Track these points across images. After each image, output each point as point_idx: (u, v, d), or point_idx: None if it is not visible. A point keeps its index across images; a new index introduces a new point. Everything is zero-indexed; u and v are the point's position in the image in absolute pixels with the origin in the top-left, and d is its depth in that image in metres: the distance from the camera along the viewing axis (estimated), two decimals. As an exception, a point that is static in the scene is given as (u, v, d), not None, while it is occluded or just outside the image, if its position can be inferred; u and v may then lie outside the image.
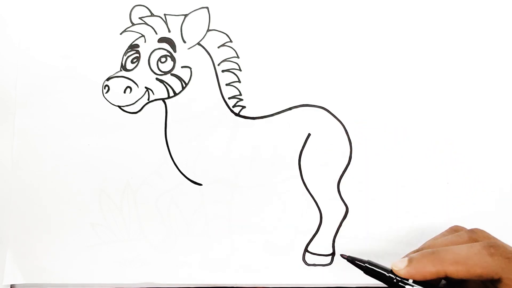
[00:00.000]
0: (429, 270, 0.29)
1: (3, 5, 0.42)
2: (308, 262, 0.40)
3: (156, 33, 0.41)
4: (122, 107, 0.41)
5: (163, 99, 0.41)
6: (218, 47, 0.41)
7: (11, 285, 0.41)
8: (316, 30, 0.41)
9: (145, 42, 0.41)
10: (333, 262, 0.40)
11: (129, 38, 0.41)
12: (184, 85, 0.41)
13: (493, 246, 0.28)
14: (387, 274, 0.30)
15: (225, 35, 0.41)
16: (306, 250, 0.40)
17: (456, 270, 0.28)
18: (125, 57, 0.41)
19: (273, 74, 0.41)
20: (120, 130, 0.41)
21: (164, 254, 0.40)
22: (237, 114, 0.41)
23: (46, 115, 0.41)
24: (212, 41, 0.41)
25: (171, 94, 0.41)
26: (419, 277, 0.29)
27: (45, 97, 0.41)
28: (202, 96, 0.41)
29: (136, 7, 0.41)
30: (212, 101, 0.41)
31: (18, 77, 0.41)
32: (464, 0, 0.41)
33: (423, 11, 0.41)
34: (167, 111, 0.41)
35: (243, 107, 0.41)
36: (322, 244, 0.40)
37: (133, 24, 0.41)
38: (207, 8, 0.41)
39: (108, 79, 0.41)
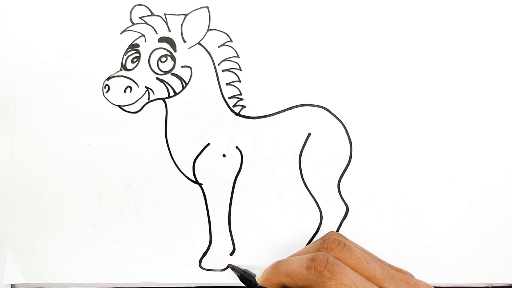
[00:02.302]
0: (272, 280, 0.32)
1: (3, 5, 0.42)
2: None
3: (156, 33, 0.41)
4: (122, 107, 0.41)
5: (163, 99, 0.41)
6: (218, 47, 0.41)
7: (11, 285, 0.41)
8: (316, 30, 0.41)
9: (145, 41, 0.41)
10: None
11: (129, 38, 0.41)
12: (184, 85, 0.41)
13: (312, 259, 0.29)
14: (254, 282, 0.35)
15: (225, 35, 0.41)
16: (306, 249, 0.40)
17: (287, 281, 0.31)
18: (125, 57, 0.41)
19: (273, 74, 0.41)
20: (120, 129, 0.41)
21: (164, 254, 0.40)
22: (237, 114, 0.41)
23: (46, 115, 0.41)
24: (212, 40, 0.41)
25: (171, 93, 0.41)
26: (269, 286, 0.33)
27: (46, 96, 0.41)
28: (202, 95, 0.41)
29: (136, 7, 0.41)
30: (212, 100, 0.41)
31: (18, 76, 0.41)
32: (464, 0, 0.41)
33: (423, 11, 0.41)
34: (167, 110, 0.41)
35: (243, 106, 0.41)
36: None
37: (133, 24, 0.41)
38: (207, 7, 0.41)
39: (108, 79, 0.41)
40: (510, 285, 0.41)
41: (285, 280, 0.31)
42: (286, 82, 0.41)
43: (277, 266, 0.32)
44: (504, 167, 0.40)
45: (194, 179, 0.41)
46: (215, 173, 0.40)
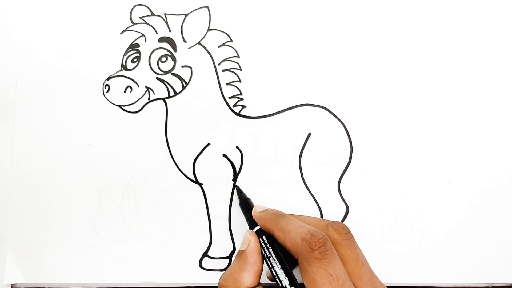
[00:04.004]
0: (266, 224, 0.33)
1: (3, 5, 0.42)
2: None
3: (157, 33, 0.41)
4: (122, 107, 0.41)
5: (163, 99, 0.41)
6: (219, 47, 0.41)
7: (11, 285, 0.41)
8: (316, 30, 0.41)
9: (145, 41, 0.41)
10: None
11: (129, 38, 0.41)
12: (184, 85, 0.41)
13: (312, 233, 0.29)
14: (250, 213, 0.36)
15: (226, 35, 0.41)
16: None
17: (278, 236, 0.32)
18: (125, 57, 0.41)
19: (274, 74, 0.41)
20: (120, 129, 0.41)
21: (164, 254, 0.40)
22: (238, 114, 0.41)
23: (46, 114, 0.41)
24: (213, 40, 0.41)
25: (172, 93, 0.41)
26: (260, 225, 0.34)
27: (46, 96, 0.41)
28: (202, 95, 0.41)
29: (136, 7, 0.41)
30: (213, 100, 0.41)
31: (19, 76, 0.41)
32: (464, 0, 0.41)
33: (423, 11, 0.41)
34: (168, 110, 0.41)
35: (244, 106, 0.41)
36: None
37: (133, 24, 0.41)
38: (207, 7, 0.41)
39: (108, 79, 0.41)
40: (510, 285, 0.41)
41: (277, 234, 0.32)
42: (286, 82, 0.41)
43: (278, 217, 0.33)
44: (504, 167, 0.40)
45: (194, 179, 0.41)
46: (215, 173, 0.40)
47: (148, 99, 0.41)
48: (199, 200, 0.41)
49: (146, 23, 0.41)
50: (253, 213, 0.35)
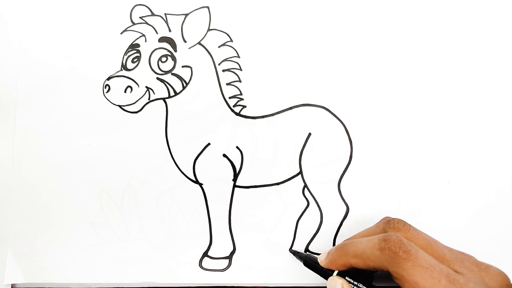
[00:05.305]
0: (339, 262, 0.32)
1: (3, 5, 0.42)
2: (308, 262, 0.40)
3: (157, 33, 0.41)
4: (122, 107, 0.41)
5: (163, 99, 0.41)
6: (219, 47, 0.41)
7: (11, 284, 0.41)
8: (316, 30, 0.41)
9: (145, 41, 0.41)
10: None
11: (129, 38, 0.41)
12: (184, 85, 0.41)
13: (385, 240, 0.29)
14: (320, 266, 0.35)
15: (226, 35, 0.41)
16: (307, 249, 0.40)
17: (356, 262, 0.30)
18: (125, 57, 0.41)
19: (274, 74, 0.41)
20: (120, 129, 0.41)
21: (164, 254, 0.40)
22: (238, 114, 0.41)
23: (46, 114, 0.41)
24: (213, 40, 0.41)
25: (172, 93, 0.41)
26: (334, 268, 0.33)
27: (46, 96, 0.41)
28: (202, 95, 0.41)
29: (136, 7, 0.41)
30: (213, 100, 0.41)
31: (19, 76, 0.41)
32: (464, 0, 0.41)
33: (423, 11, 0.41)
34: (168, 110, 0.41)
35: (244, 106, 0.41)
36: (322, 244, 0.40)
37: (133, 24, 0.41)
38: (207, 7, 0.41)
39: (108, 79, 0.41)
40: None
41: (354, 262, 0.31)
42: (287, 82, 0.41)
43: (344, 247, 0.32)
44: (504, 167, 0.40)
45: (194, 179, 0.41)
46: (216, 173, 0.40)
47: (148, 99, 0.41)
48: (199, 200, 0.41)
49: (146, 23, 0.41)
50: (321, 263, 0.34)
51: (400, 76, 0.41)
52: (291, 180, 0.40)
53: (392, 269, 0.28)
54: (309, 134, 0.41)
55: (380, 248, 0.29)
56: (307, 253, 0.37)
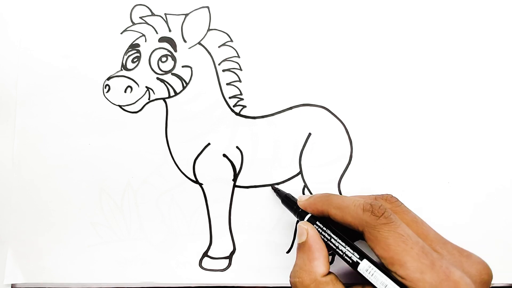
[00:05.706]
0: (318, 207, 0.33)
1: (3, 5, 0.42)
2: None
3: (157, 33, 0.41)
4: (122, 107, 0.41)
5: (163, 99, 0.41)
6: (219, 47, 0.41)
7: (11, 284, 0.41)
8: (316, 30, 0.41)
9: (145, 41, 0.41)
10: (334, 260, 0.40)
11: (129, 38, 0.41)
12: (184, 85, 0.41)
13: (371, 204, 0.30)
14: (296, 206, 0.36)
15: (226, 35, 0.41)
16: (306, 249, 0.40)
17: (335, 213, 0.32)
18: (125, 57, 0.41)
19: (274, 74, 0.41)
20: (120, 129, 0.41)
21: (164, 254, 0.40)
22: (238, 114, 0.41)
23: (46, 114, 0.41)
24: (213, 40, 0.41)
25: (172, 93, 0.41)
26: (310, 211, 0.34)
27: (46, 96, 0.41)
28: (202, 95, 0.41)
29: (136, 7, 0.41)
30: (213, 100, 0.41)
31: (19, 76, 0.41)
32: (464, 0, 0.41)
33: (423, 11, 0.41)
34: (168, 110, 0.41)
35: (244, 106, 0.41)
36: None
37: (133, 24, 0.41)
38: (207, 7, 0.41)
39: (108, 79, 0.41)
40: (510, 285, 0.41)
41: (333, 212, 0.32)
42: (287, 82, 0.41)
43: (329, 197, 0.33)
44: (504, 167, 0.40)
45: (194, 179, 0.41)
46: (215, 173, 0.41)
47: (148, 99, 0.41)
48: (199, 200, 0.41)
49: (146, 23, 0.41)
50: (299, 203, 0.35)
51: (400, 76, 0.41)
52: (291, 180, 0.40)
53: (367, 229, 0.29)
54: (309, 134, 0.41)
55: (364, 209, 0.30)
56: (288, 193, 0.38)
